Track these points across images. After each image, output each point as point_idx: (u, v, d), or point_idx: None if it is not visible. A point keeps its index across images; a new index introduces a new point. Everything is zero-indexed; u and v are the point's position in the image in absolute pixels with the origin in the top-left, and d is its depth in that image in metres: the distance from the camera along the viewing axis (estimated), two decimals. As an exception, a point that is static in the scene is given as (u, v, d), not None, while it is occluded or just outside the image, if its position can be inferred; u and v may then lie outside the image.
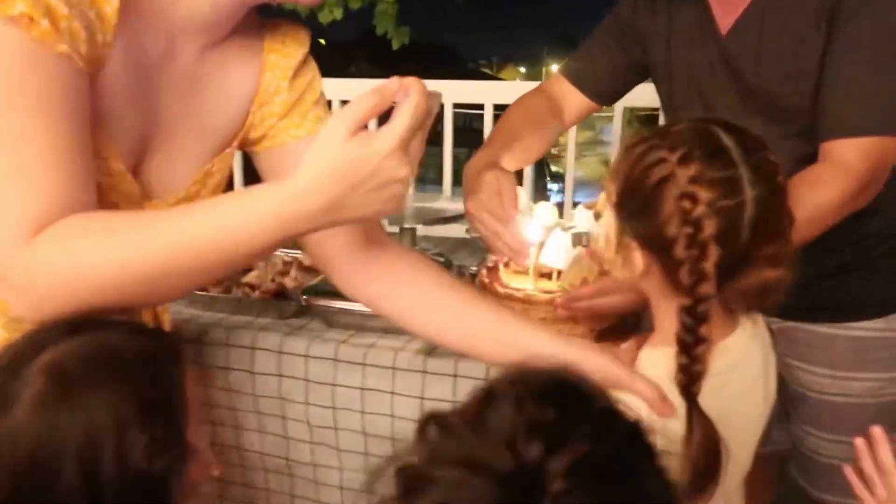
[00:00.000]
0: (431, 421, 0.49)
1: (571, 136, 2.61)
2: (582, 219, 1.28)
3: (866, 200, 1.06)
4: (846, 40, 1.02)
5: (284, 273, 1.58)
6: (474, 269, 1.72)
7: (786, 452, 1.44)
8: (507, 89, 2.67)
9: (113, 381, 0.66)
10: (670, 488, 0.51)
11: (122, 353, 0.69)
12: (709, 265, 0.76)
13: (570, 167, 2.71)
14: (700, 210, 0.75)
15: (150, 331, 0.85)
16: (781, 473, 1.52)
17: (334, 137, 0.69)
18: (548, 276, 1.30)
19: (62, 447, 0.63)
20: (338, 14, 2.96)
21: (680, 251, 0.77)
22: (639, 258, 0.84)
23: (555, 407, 0.48)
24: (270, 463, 1.34)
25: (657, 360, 0.85)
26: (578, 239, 1.28)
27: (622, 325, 1.26)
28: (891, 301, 1.23)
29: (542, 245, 1.27)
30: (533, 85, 2.56)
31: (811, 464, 1.34)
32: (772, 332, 1.31)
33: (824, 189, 1.02)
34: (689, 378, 0.80)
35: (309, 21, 3.09)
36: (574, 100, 1.45)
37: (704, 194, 0.75)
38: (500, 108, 2.64)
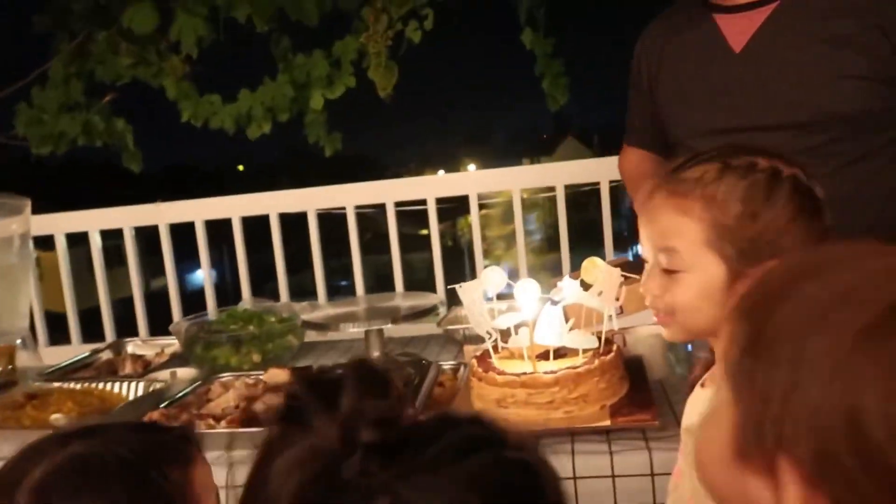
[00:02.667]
0: None
1: (519, 224, 2.57)
2: (570, 289, 1.21)
3: None
4: None
5: (250, 397, 1.43)
6: (452, 363, 1.61)
7: None
8: (444, 182, 2.66)
9: (94, 494, 0.65)
10: None
11: (105, 464, 0.67)
12: None
13: (522, 254, 2.67)
14: (826, 220, 0.79)
15: (150, 431, 0.82)
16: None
17: None
18: (543, 356, 1.21)
19: None
20: (266, 128, 2.92)
21: None
22: None
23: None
24: None
25: None
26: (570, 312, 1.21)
27: (629, 402, 1.18)
28: None
29: (533, 324, 1.19)
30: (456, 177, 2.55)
31: None
32: None
33: None
34: None
35: (236, 139, 3.06)
36: (648, 160, 1.40)
37: (820, 206, 0.80)
38: (443, 201, 2.64)
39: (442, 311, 1.93)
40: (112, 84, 3.06)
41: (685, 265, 0.80)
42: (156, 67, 2.92)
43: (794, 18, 1.09)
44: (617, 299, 1.28)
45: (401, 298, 2.09)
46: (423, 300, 1.87)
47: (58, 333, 2.80)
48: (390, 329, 2.24)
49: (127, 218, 2.76)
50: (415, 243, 2.50)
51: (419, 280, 2.90)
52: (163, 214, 2.73)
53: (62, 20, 3.02)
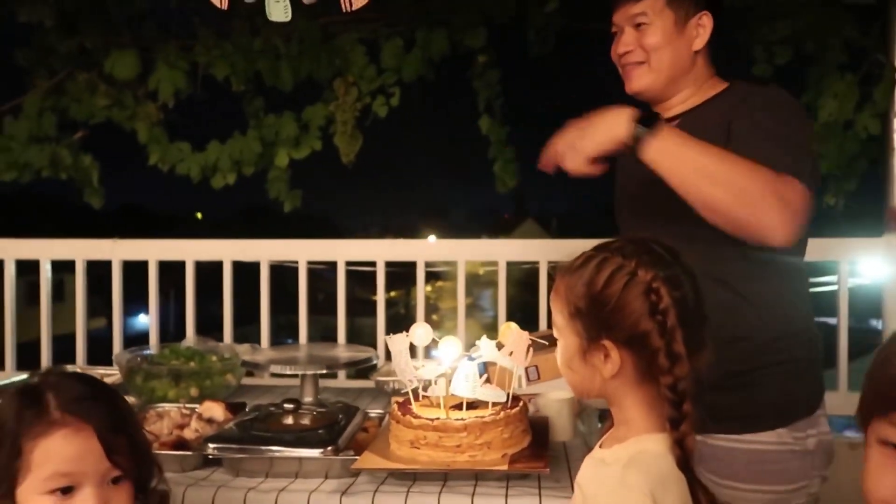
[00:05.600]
0: None
1: (461, 291, 2.75)
2: (487, 349, 1.35)
3: None
4: (745, 133, 1.26)
5: (183, 425, 1.52)
6: (379, 412, 1.72)
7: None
8: (394, 246, 2.81)
9: None
10: None
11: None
12: (679, 346, 0.89)
13: (462, 318, 2.82)
14: (665, 301, 0.89)
15: (30, 389, 0.95)
16: None
17: None
18: (458, 407, 1.34)
19: None
20: (231, 179, 3.04)
21: (656, 339, 0.89)
22: (616, 356, 0.92)
23: None
24: None
25: (645, 445, 0.92)
26: (486, 368, 1.35)
27: (528, 453, 1.31)
28: (781, 415, 1.30)
29: (449, 377, 1.32)
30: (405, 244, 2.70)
31: None
32: None
33: None
34: (684, 452, 0.89)
35: (198, 188, 3.17)
36: None
37: (664, 289, 0.90)
38: (391, 265, 2.78)
39: (379, 365, 2.05)
40: (84, 122, 3.17)
41: (558, 335, 0.99)
42: (130, 111, 3.05)
43: (688, 130, 1.32)
44: (536, 367, 1.45)
45: (341, 350, 2.21)
46: (360, 353, 1.99)
47: (-9, 363, 2.79)
48: (331, 381, 2.34)
49: (80, 250, 2.82)
50: (369, 308, 2.62)
51: (369, 345, 3.01)
52: (117, 250, 2.81)
53: (44, 57, 3.14)
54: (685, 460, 0.89)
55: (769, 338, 1.30)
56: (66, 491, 0.88)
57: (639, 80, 1.40)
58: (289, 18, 1.31)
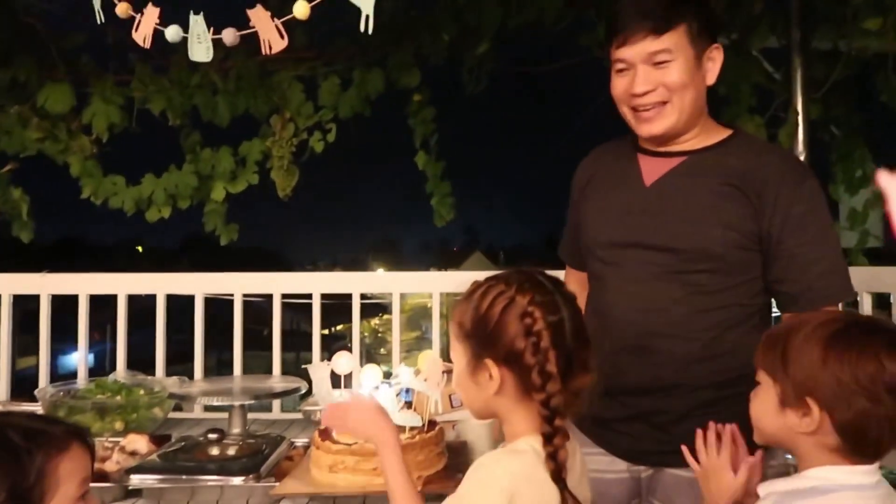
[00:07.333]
0: None
1: (395, 324, 2.80)
2: (405, 375, 1.41)
3: None
4: (792, 223, 1.25)
5: (105, 458, 1.52)
6: (305, 441, 1.75)
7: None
8: (329, 279, 2.84)
9: None
10: None
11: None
12: (552, 366, 0.96)
13: (396, 350, 2.87)
14: (539, 324, 0.96)
15: (43, 421, 1.02)
16: None
17: None
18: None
19: None
20: (166, 213, 3.04)
21: (529, 358, 0.96)
22: (496, 374, 0.99)
23: None
24: None
25: (520, 446, 0.99)
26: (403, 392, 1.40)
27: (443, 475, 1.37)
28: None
29: (370, 402, 1.37)
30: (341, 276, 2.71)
31: None
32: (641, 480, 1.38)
33: None
34: (556, 464, 0.96)
35: (135, 220, 3.16)
36: (573, 275, 1.56)
37: (538, 313, 0.97)
38: (327, 297, 2.82)
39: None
40: (15, 155, 3.13)
41: (453, 357, 1.07)
42: (63, 145, 3.03)
43: (694, 171, 1.32)
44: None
45: (274, 381, 2.22)
46: (290, 384, 2.01)
47: None
48: (264, 413, 2.35)
49: (7, 285, 2.76)
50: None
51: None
52: (46, 285, 2.76)
53: (-24, 91, 3.11)
54: (557, 472, 0.95)
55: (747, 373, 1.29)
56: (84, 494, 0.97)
57: (661, 123, 1.30)
58: (210, 59, 1.37)
